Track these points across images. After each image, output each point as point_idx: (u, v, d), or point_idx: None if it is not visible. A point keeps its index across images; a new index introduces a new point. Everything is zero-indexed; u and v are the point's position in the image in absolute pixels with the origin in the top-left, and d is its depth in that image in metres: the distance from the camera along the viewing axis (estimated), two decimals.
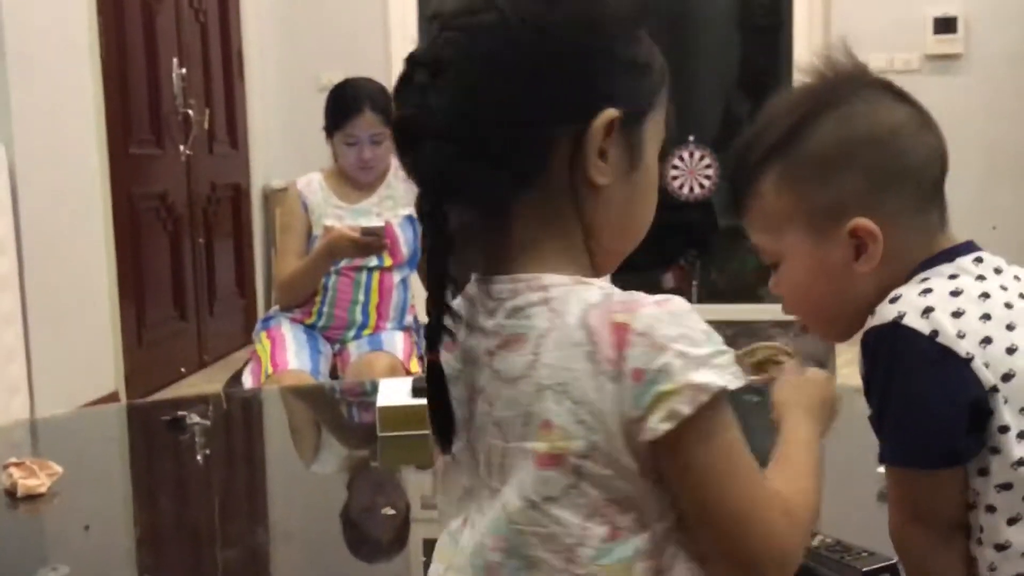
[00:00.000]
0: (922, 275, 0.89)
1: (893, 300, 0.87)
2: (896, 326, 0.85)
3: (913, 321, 0.84)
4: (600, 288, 0.73)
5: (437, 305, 0.71)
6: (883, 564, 1.04)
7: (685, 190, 5.44)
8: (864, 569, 1.04)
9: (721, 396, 0.68)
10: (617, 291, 0.73)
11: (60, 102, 3.55)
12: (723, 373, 0.68)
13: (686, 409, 0.67)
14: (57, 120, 3.52)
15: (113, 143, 3.86)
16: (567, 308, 0.71)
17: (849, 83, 0.95)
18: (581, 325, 0.70)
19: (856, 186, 0.90)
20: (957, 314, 0.84)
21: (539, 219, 0.74)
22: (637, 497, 0.70)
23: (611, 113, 0.72)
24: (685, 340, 0.67)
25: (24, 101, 3.31)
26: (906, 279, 0.89)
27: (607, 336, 0.68)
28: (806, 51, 5.18)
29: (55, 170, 3.50)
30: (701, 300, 5.63)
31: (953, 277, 0.89)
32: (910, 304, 0.85)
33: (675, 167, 5.43)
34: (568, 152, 0.72)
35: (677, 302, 0.70)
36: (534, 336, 0.71)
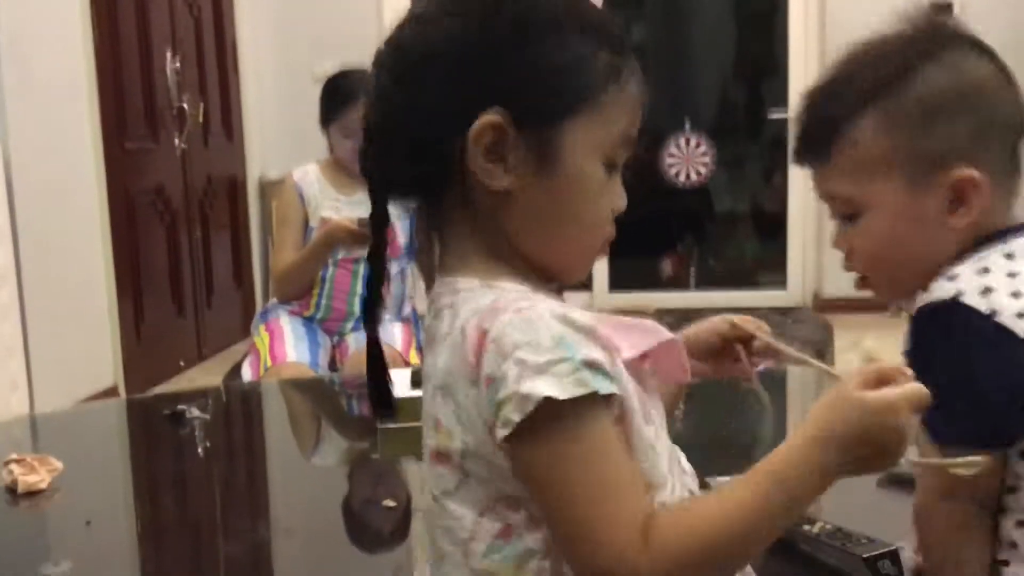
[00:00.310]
0: (980, 254, 0.88)
1: (951, 278, 0.86)
2: (954, 304, 0.84)
3: (972, 300, 0.83)
4: (499, 292, 0.72)
5: (371, 300, 0.79)
6: (884, 551, 1.05)
7: (682, 177, 5.43)
8: (865, 555, 1.04)
9: (554, 405, 0.64)
10: (511, 296, 0.71)
11: (54, 97, 3.54)
12: (558, 381, 0.65)
13: (516, 417, 0.65)
14: (51, 115, 3.51)
15: (108, 137, 3.84)
16: (460, 312, 0.72)
17: (942, 34, 0.93)
18: (462, 330, 0.71)
19: (962, 136, 0.87)
20: (1016, 295, 0.83)
21: (465, 222, 0.75)
22: (524, 497, 0.70)
23: (490, 116, 0.70)
24: (528, 347, 0.66)
25: (18, 96, 3.30)
26: (986, 243, 0.88)
27: (472, 342, 0.69)
28: (802, 37, 5.17)
29: (50, 165, 3.49)
30: (699, 286, 5.64)
31: (1009, 257, 0.87)
32: (969, 283, 0.85)
33: (671, 154, 5.42)
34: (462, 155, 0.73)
35: (541, 308, 0.68)
36: (440, 338, 0.74)
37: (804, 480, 0.68)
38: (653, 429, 0.74)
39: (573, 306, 0.71)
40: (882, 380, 0.68)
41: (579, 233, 0.74)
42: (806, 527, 1.11)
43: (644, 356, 0.74)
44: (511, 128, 0.70)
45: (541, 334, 0.66)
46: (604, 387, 0.66)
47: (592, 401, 0.66)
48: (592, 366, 0.66)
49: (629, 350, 0.71)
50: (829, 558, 1.07)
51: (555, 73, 0.72)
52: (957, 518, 0.88)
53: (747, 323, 0.94)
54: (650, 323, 0.75)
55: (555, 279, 0.76)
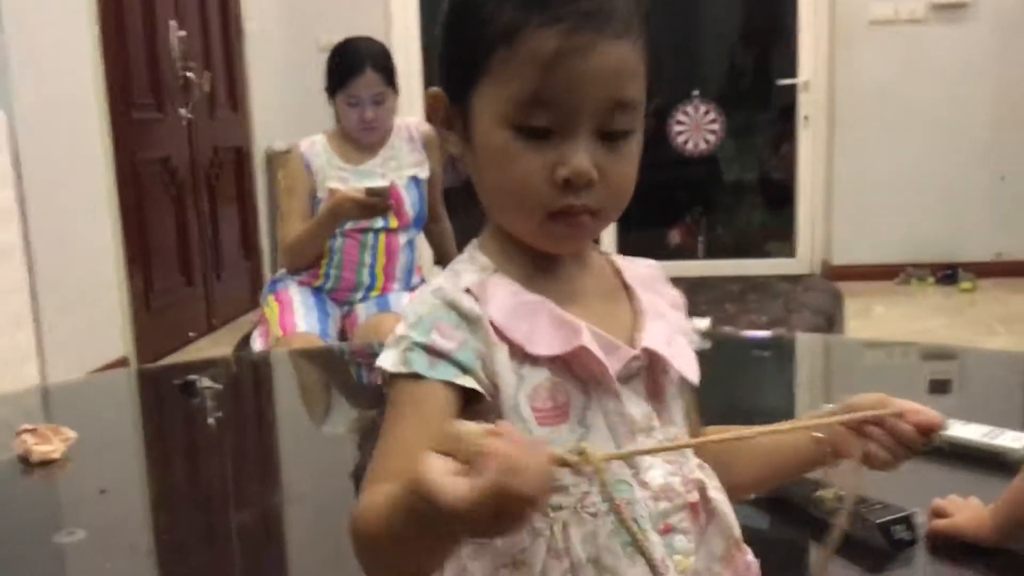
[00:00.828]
0: None
1: None
2: None
3: None
4: (449, 272, 0.74)
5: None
6: (898, 516, 1.05)
7: (690, 146, 5.40)
8: (879, 521, 1.04)
9: (393, 376, 0.69)
10: (448, 272, 0.73)
11: (60, 68, 3.53)
12: (392, 355, 0.69)
13: (380, 380, 0.71)
14: (57, 86, 3.50)
15: (114, 108, 3.84)
16: None
17: None
18: None
19: None
20: None
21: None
22: None
23: (431, 89, 0.75)
24: (402, 321, 0.71)
25: (24, 68, 3.29)
26: None
27: None
28: (811, 4, 5.11)
29: (57, 137, 3.49)
30: (707, 255, 5.63)
31: None
32: None
33: (680, 123, 5.38)
34: None
35: (439, 286, 0.71)
36: None
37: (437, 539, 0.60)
38: (566, 427, 0.69)
39: (518, 289, 0.70)
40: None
41: (505, 202, 0.72)
42: (819, 492, 1.11)
43: (565, 358, 0.69)
44: (447, 102, 0.74)
45: (413, 312, 0.70)
46: (425, 371, 0.67)
47: (415, 380, 0.68)
48: (429, 350, 0.68)
49: (545, 350, 0.69)
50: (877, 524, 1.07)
51: (454, 45, 0.73)
52: None
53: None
54: (579, 325, 0.69)
55: (534, 246, 0.73)
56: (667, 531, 0.70)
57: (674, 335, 0.75)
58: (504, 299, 0.70)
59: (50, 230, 3.41)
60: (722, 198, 5.94)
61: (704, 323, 2.13)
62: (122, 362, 3.83)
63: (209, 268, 4.55)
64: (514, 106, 0.68)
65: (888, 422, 0.74)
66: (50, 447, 1.44)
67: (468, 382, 0.67)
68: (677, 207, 5.72)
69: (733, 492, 0.76)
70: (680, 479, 0.71)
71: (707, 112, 5.38)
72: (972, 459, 1.26)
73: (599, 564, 0.67)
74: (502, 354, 0.68)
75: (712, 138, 5.40)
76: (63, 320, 3.46)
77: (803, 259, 5.33)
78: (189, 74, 4.33)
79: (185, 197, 4.39)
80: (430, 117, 0.76)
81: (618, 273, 0.77)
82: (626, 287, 0.77)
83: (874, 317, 4.47)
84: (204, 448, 1.65)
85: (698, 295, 3.63)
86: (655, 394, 0.72)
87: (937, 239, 5.08)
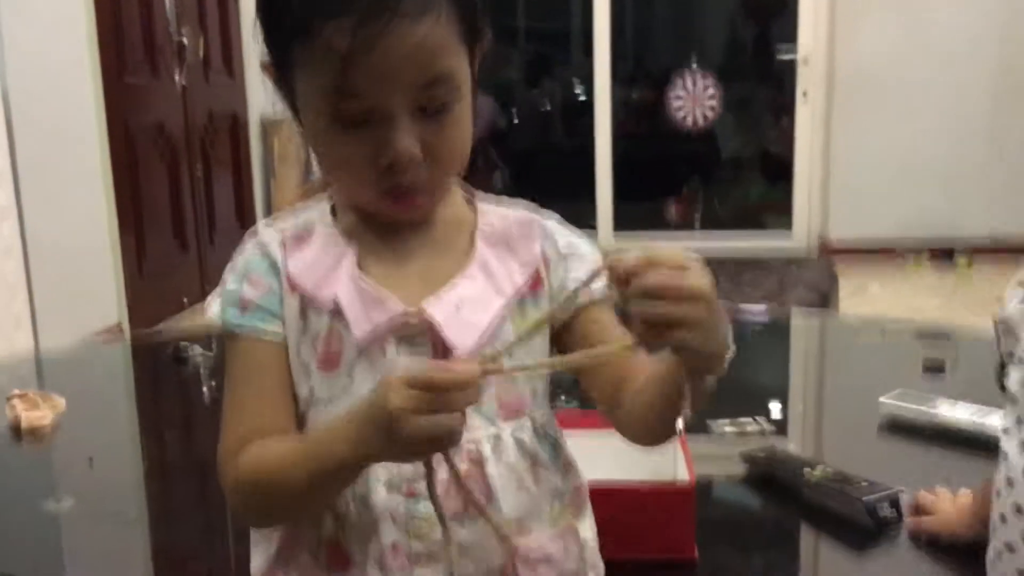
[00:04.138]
0: None
1: None
2: None
3: None
4: (284, 215, 0.77)
5: None
6: (883, 494, 1.05)
7: (688, 120, 5.37)
8: (864, 499, 1.04)
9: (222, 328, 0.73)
10: (285, 219, 0.76)
11: (52, 31, 3.48)
12: (216, 304, 0.74)
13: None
14: (50, 50, 3.46)
15: (107, 72, 3.79)
16: None
17: None
18: None
19: None
20: None
21: None
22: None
23: (263, 59, 0.73)
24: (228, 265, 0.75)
25: (16, 32, 3.25)
26: None
27: None
28: None
29: (50, 102, 3.45)
30: (704, 229, 5.61)
31: None
32: None
33: (678, 96, 5.35)
34: None
35: (261, 226, 0.75)
36: None
37: (335, 460, 0.65)
38: (335, 374, 0.71)
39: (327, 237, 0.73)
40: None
41: (338, 179, 0.73)
42: (807, 470, 1.11)
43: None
44: (276, 72, 0.72)
45: (237, 259, 0.75)
46: (237, 321, 0.72)
47: (235, 334, 0.72)
48: (241, 301, 0.72)
49: (324, 298, 0.71)
50: (830, 501, 1.07)
51: (265, 30, 0.71)
52: None
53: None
54: (347, 278, 0.71)
55: (375, 215, 0.73)
56: (412, 494, 0.70)
57: (481, 298, 0.72)
58: (312, 246, 0.73)
59: (43, 196, 3.38)
60: (720, 172, 5.92)
61: None
62: (116, 328, 3.82)
63: (203, 234, 4.53)
64: (324, 97, 0.67)
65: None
66: (39, 413, 1.43)
67: (276, 327, 0.72)
68: (675, 180, 5.70)
69: (644, 432, 0.74)
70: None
71: (706, 86, 5.34)
72: (961, 439, 1.26)
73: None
74: (292, 302, 0.72)
75: (710, 112, 5.36)
76: (56, 286, 3.44)
77: (800, 236, 5.32)
78: (183, 38, 4.28)
79: (179, 163, 4.36)
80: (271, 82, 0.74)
81: (473, 228, 0.75)
82: (473, 244, 0.75)
83: (869, 295, 4.47)
84: (194, 417, 1.64)
85: None
86: (445, 354, 0.70)
87: (934, 217, 5.07)
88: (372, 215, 0.74)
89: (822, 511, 1.07)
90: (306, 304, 0.71)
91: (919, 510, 1.04)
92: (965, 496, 1.02)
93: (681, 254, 0.60)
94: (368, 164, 0.68)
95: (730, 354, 0.64)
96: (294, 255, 0.72)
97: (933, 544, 1.00)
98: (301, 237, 0.73)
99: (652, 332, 0.59)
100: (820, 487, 1.09)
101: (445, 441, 0.62)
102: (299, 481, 0.67)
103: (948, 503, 1.03)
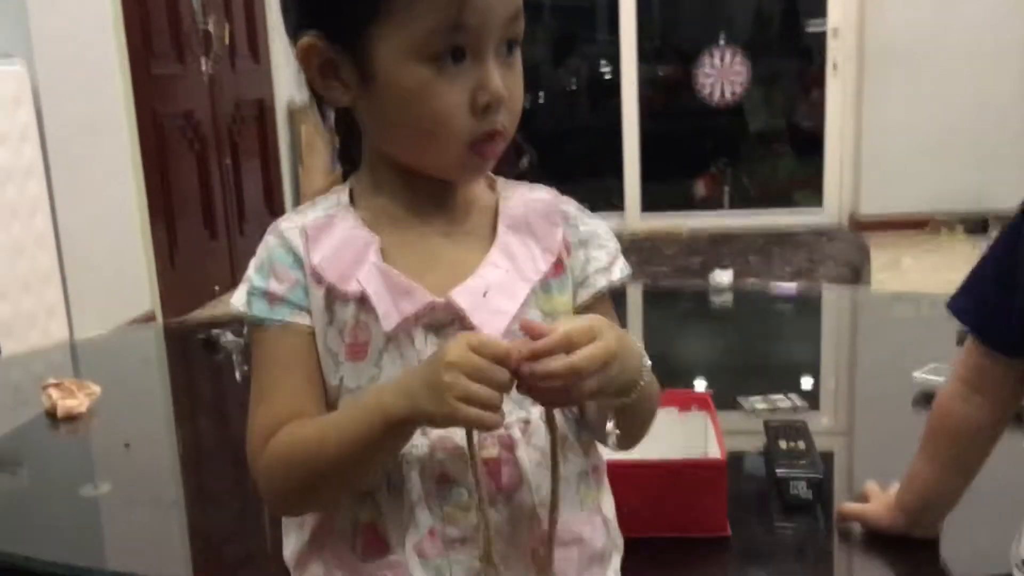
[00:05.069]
0: None
1: None
2: None
3: None
4: (304, 207, 0.77)
5: None
6: (801, 474, 1.04)
7: (716, 95, 5.31)
8: (779, 473, 1.05)
9: (247, 317, 0.73)
10: (304, 213, 0.75)
11: (79, 22, 3.51)
12: (242, 295, 0.74)
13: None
14: (78, 41, 3.49)
15: (135, 62, 3.82)
16: None
17: None
18: None
19: None
20: None
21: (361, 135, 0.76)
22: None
23: (305, 39, 0.71)
24: (253, 260, 0.75)
25: (43, 23, 3.28)
26: None
27: None
28: None
29: (79, 93, 3.48)
30: (733, 207, 5.57)
31: None
32: None
33: (705, 72, 5.29)
34: None
35: (284, 220, 0.75)
36: None
37: (371, 422, 0.66)
38: (363, 364, 0.71)
39: (353, 226, 0.72)
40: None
41: (422, 136, 0.70)
42: (782, 442, 1.11)
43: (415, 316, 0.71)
44: (329, 47, 0.71)
45: (259, 252, 0.74)
46: (266, 315, 0.72)
47: (264, 325, 0.72)
48: (268, 295, 0.72)
49: (352, 288, 0.71)
50: (772, 476, 1.08)
51: None
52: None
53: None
54: (375, 268, 0.71)
55: (446, 178, 0.73)
56: (444, 481, 0.70)
57: (507, 285, 0.72)
58: (334, 237, 0.72)
59: (73, 186, 3.42)
60: (748, 148, 5.86)
61: (726, 276, 2.11)
62: (148, 317, 3.86)
63: (233, 222, 4.57)
64: (428, 38, 0.67)
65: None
66: (75, 401, 1.45)
67: (303, 320, 0.72)
68: (702, 158, 5.65)
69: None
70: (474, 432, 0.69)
71: (733, 60, 5.28)
72: None
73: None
74: (317, 294, 0.72)
75: (738, 87, 5.31)
76: (89, 276, 3.49)
77: (830, 210, 5.26)
78: (209, 26, 4.30)
79: (208, 151, 4.39)
80: (304, 67, 0.72)
81: (496, 214, 0.75)
82: (495, 230, 0.75)
83: (902, 269, 4.42)
84: (227, 402, 1.66)
85: (721, 247, 3.60)
86: None
87: (967, 188, 4.99)
88: (402, 191, 0.74)
89: (775, 484, 1.07)
90: (332, 295, 0.71)
91: (863, 499, 1.02)
92: (894, 489, 1.00)
93: (591, 322, 0.65)
94: (464, 110, 0.69)
95: (644, 378, 0.69)
96: (317, 247, 0.72)
97: (845, 534, 0.99)
98: (322, 228, 0.73)
99: (563, 401, 0.68)
100: (774, 459, 1.09)
101: (482, 411, 0.63)
102: (335, 450, 0.67)
103: (880, 495, 1.01)
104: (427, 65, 0.68)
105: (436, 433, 0.70)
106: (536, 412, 0.72)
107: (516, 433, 0.71)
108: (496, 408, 0.63)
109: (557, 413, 0.72)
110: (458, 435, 0.69)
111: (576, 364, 0.63)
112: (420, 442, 0.70)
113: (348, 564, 0.72)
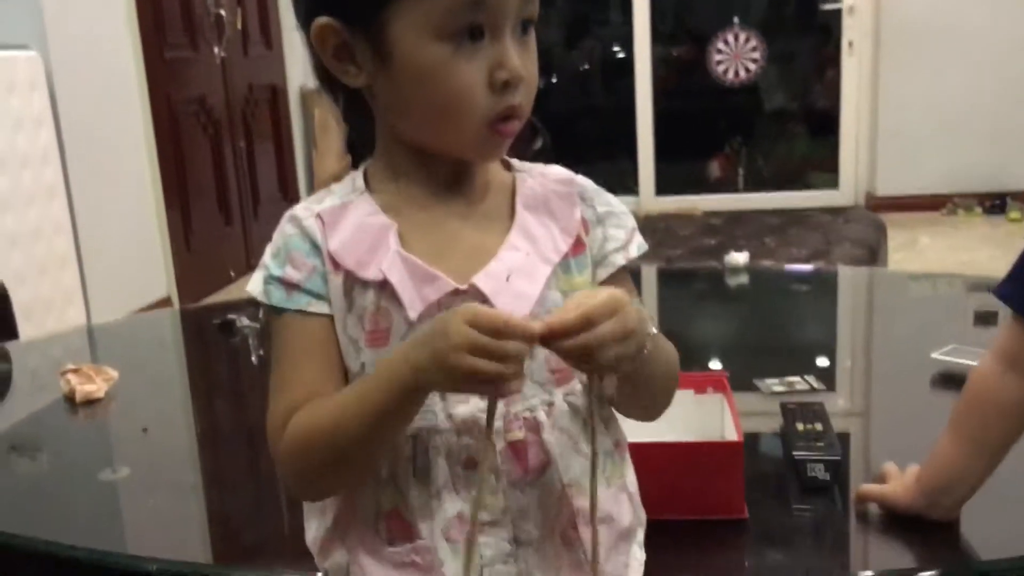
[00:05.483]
0: None
1: None
2: None
3: None
4: (319, 194, 0.76)
5: None
6: (819, 456, 1.04)
7: (730, 75, 5.28)
8: (796, 455, 1.05)
9: (264, 304, 0.73)
10: (321, 200, 0.75)
11: (92, 8, 3.51)
12: (258, 283, 0.73)
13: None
14: (90, 27, 3.49)
15: (148, 48, 3.82)
16: None
17: None
18: None
19: None
20: None
21: (372, 118, 0.76)
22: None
23: (320, 20, 0.70)
24: (269, 245, 0.75)
25: (56, 8, 3.28)
26: None
27: None
28: None
29: (93, 79, 3.49)
30: (747, 188, 5.54)
31: None
32: None
33: (719, 51, 5.26)
34: None
35: (300, 207, 0.75)
36: None
37: (384, 392, 0.66)
38: (385, 351, 0.71)
39: (369, 212, 0.72)
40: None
41: (440, 115, 0.70)
42: (799, 424, 1.11)
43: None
44: (344, 28, 0.70)
45: (275, 239, 0.74)
46: (283, 303, 0.72)
47: (281, 312, 0.72)
48: (284, 282, 0.72)
49: (371, 275, 0.71)
50: (788, 457, 1.07)
51: None
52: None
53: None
54: (396, 255, 0.71)
55: (464, 158, 0.73)
56: (470, 465, 0.70)
57: (527, 267, 0.72)
58: (351, 223, 0.72)
59: (89, 171, 3.43)
60: (763, 128, 5.82)
61: (742, 257, 2.09)
62: (165, 302, 3.88)
63: (247, 207, 4.58)
64: (446, 16, 0.67)
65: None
66: (93, 387, 1.46)
67: (323, 308, 0.72)
68: (716, 138, 5.62)
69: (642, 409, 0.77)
70: (499, 415, 0.69)
71: (748, 40, 5.24)
72: None
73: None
74: (336, 281, 0.71)
75: (753, 66, 5.27)
76: (105, 261, 3.50)
77: (846, 190, 5.23)
78: (221, 11, 4.30)
79: (221, 136, 4.40)
80: (319, 51, 0.72)
81: (513, 194, 0.75)
82: (514, 210, 0.74)
83: (919, 248, 4.39)
84: (244, 386, 1.67)
85: (736, 228, 3.58)
86: None
87: (985, 168, 4.95)
88: (420, 174, 0.73)
89: (792, 466, 1.07)
90: (350, 281, 0.71)
91: (881, 480, 1.01)
92: (911, 470, 0.99)
93: (610, 298, 0.64)
94: (483, 88, 0.69)
95: (649, 345, 0.68)
96: (334, 233, 0.72)
97: (863, 516, 0.98)
98: (339, 214, 0.73)
99: (591, 370, 0.67)
100: (791, 441, 1.08)
101: (494, 386, 0.63)
102: (352, 424, 0.67)
103: (898, 476, 1.00)
104: (445, 43, 0.68)
105: (461, 417, 0.70)
106: (560, 393, 0.72)
107: (541, 416, 0.71)
108: (507, 379, 0.62)
109: (579, 394, 0.72)
110: (483, 418, 0.68)
111: (623, 327, 0.63)
112: (446, 427, 0.70)
113: (373, 549, 0.72)
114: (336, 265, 0.71)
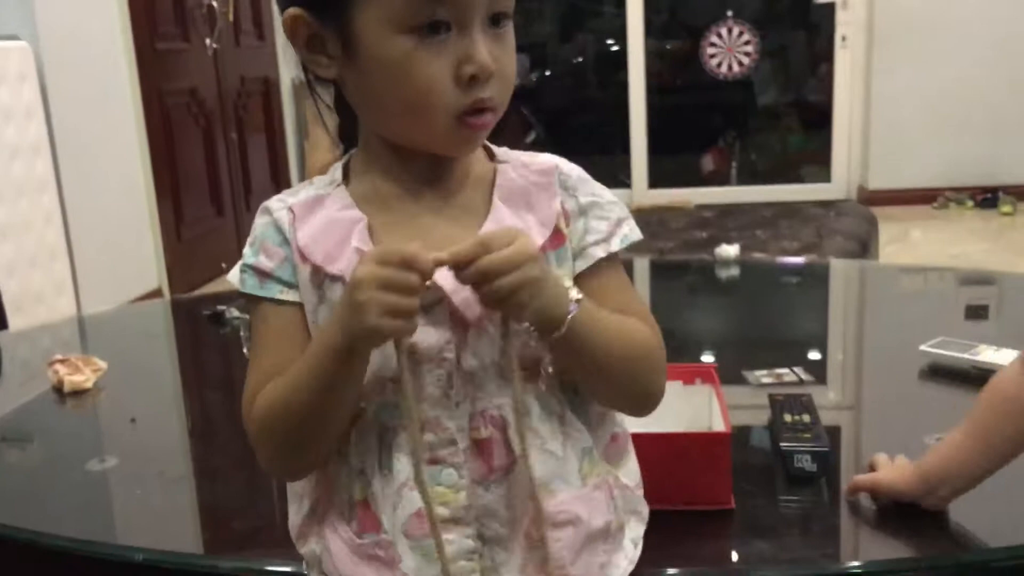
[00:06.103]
0: None
1: None
2: None
3: None
4: (296, 187, 0.77)
5: None
6: (805, 447, 1.04)
7: (723, 69, 5.28)
8: (783, 446, 1.05)
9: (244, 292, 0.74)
10: (296, 192, 0.76)
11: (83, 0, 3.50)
12: (236, 271, 0.75)
13: None
14: (81, 17, 3.48)
15: (139, 39, 3.81)
16: None
17: None
18: None
19: None
20: None
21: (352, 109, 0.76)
22: None
23: (290, 11, 0.71)
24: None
25: (47, 1, 3.26)
26: None
27: None
28: None
29: (84, 70, 3.47)
30: (741, 181, 5.54)
31: None
32: None
33: (713, 45, 5.26)
34: None
35: (275, 199, 0.76)
36: None
37: (321, 358, 0.68)
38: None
39: (340, 204, 0.72)
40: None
41: (407, 109, 0.69)
42: (787, 415, 1.11)
43: None
44: (315, 21, 0.70)
45: (253, 229, 0.76)
46: (257, 291, 0.73)
47: (258, 300, 0.74)
48: (257, 270, 0.73)
49: (338, 270, 0.71)
50: (776, 448, 1.08)
51: None
52: None
53: None
54: (363, 249, 0.71)
55: (435, 152, 0.73)
56: (435, 462, 0.70)
57: None
58: (322, 217, 0.72)
59: (80, 163, 3.42)
60: (756, 122, 5.82)
61: (732, 249, 2.10)
62: (156, 293, 3.87)
63: (239, 199, 4.57)
64: (408, 9, 0.66)
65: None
66: (81, 377, 1.46)
67: (293, 296, 0.73)
68: (710, 132, 5.62)
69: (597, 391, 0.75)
70: (458, 414, 0.70)
71: (741, 34, 5.24)
72: None
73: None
74: (304, 273, 0.72)
75: (746, 60, 5.27)
76: (96, 252, 3.49)
77: (839, 184, 5.23)
78: (212, 2, 4.28)
79: (213, 128, 4.38)
80: (291, 41, 0.72)
81: (492, 186, 0.74)
82: (491, 203, 0.74)
83: (911, 242, 4.40)
84: (233, 377, 1.66)
85: (728, 221, 3.58)
86: (462, 323, 0.70)
87: (976, 162, 4.96)
88: (397, 168, 0.73)
89: (779, 457, 1.07)
90: (319, 274, 0.71)
91: (870, 471, 1.02)
92: (901, 459, 1.00)
93: (507, 230, 0.67)
94: (449, 81, 0.68)
95: (571, 311, 0.68)
96: (303, 226, 0.72)
97: (851, 506, 0.99)
98: (311, 207, 0.73)
99: (495, 304, 0.67)
100: (779, 432, 1.09)
101: (398, 320, 0.64)
102: (302, 395, 0.69)
103: (889, 464, 1.00)
104: (408, 37, 0.67)
105: (424, 416, 0.69)
106: (530, 388, 0.71)
107: (508, 414, 0.70)
108: (413, 313, 0.64)
109: (553, 388, 0.72)
110: (451, 423, 0.69)
111: (519, 251, 0.65)
112: (409, 423, 0.69)
113: (345, 539, 0.72)
114: (304, 257, 0.72)
